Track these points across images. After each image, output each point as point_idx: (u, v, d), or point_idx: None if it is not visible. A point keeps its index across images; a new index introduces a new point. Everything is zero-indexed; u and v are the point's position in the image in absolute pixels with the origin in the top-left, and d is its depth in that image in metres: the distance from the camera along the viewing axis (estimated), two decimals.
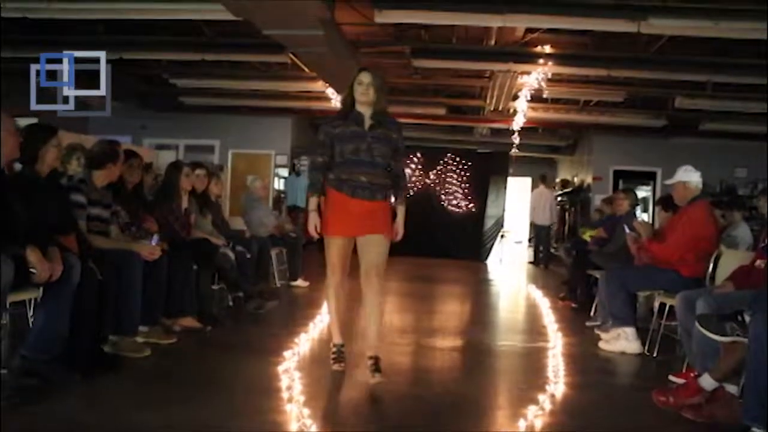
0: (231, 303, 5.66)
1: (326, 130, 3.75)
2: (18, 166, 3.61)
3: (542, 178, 13.35)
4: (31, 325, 3.34)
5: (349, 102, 3.76)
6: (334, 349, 3.87)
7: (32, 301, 3.37)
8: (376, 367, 3.64)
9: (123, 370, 3.65)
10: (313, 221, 3.72)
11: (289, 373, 3.60)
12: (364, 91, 3.69)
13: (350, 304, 4.04)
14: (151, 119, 13.50)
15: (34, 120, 4.63)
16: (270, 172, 13.73)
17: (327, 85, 10.26)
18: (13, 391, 2.98)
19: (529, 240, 15.22)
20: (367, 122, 3.72)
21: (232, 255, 5.47)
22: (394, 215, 3.83)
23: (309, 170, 3.70)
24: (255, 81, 10.97)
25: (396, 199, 3.86)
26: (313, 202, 3.76)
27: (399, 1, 6.71)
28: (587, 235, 7.31)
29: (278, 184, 13.99)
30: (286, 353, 3.98)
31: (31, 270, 3.06)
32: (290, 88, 11.32)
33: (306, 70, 9.38)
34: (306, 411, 2.99)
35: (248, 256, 5.95)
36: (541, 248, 12.82)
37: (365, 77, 3.72)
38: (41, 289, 3.23)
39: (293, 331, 4.63)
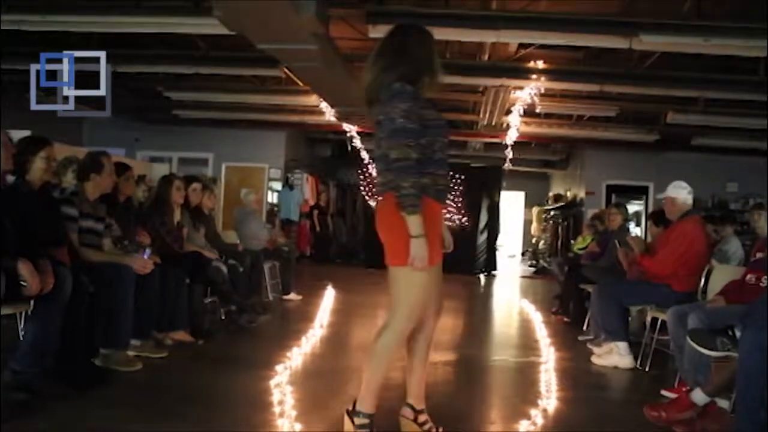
0: (223, 316, 5.64)
1: (415, 111, 2.55)
2: (11, 178, 3.61)
3: None
4: (21, 338, 3.32)
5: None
6: (364, 422, 2.74)
7: (23, 314, 3.35)
8: (434, 425, 2.93)
9: (114, 383, 3.62)
10: (425, 250, 2.53)
11: (281, 387, 3.58)
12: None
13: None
14: (145, 132, 13.56)
15: (28, 132, 4.63)
16: (263, 185, 13.74)
17: (321, 99, 10.28)
18: (2, 404, 2.96)
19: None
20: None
21: (224, 268, 5.46)
22: None
23: (403, 172, 2.50)
24: (249, 94, 10.98)
25: None
26: (418, 222, 2.51)
27: (393, 16, 6.73)
28: (577, 248, 7.33)
29: (272, 198, 13.98)
30: (278, 367, 3.96)
31: (22, 283, 3.05)
32: (284, 101, 11.34)
33: (300, 84, 9.42)
34: (298, 426, 2.98)
35: (241, 269, 5.94)
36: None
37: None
38: (32, 301, 3.21)
39: (285, 345, 4.62)
